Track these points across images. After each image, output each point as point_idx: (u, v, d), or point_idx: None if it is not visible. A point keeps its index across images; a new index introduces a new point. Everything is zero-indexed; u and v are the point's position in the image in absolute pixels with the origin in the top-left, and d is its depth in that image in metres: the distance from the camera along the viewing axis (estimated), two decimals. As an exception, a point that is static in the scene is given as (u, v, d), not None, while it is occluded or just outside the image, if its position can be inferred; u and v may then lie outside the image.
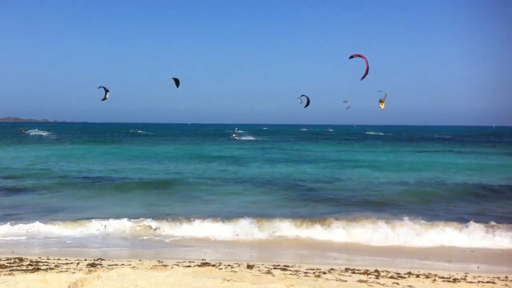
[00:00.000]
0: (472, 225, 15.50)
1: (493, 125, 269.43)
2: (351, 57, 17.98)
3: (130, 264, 10.83)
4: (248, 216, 16.56)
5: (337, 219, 16.58)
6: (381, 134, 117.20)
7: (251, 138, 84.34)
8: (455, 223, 15.95)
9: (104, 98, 20.12)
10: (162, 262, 11.26)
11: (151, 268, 10.24)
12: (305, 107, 22.91)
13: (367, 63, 17.67)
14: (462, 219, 16.73)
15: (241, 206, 20.00)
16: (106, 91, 19.99)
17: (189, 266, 10.66)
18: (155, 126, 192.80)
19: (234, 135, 75.69)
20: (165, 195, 22.72)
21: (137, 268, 10.28)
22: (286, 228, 15.85)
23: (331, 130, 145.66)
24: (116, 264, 10.80)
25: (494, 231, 15.13)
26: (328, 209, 19.27)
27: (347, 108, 25.20)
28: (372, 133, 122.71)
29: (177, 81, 20.18)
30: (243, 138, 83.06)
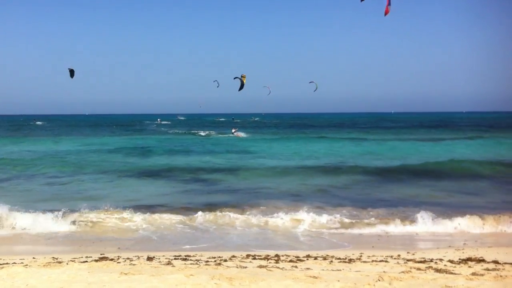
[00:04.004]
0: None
1: (392, 111, 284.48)
2: None
3: (22, 263, 10.27)
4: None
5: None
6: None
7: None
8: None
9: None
10: (57, 258, 10.77)
11: (44, 265, 9.76)
12: (239, 90, 22.54)
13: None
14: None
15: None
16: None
17: (86, 261, 10.27)
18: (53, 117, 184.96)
19: (233, 130, 65.08)
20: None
21: (30, 266, 9.76)
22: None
23: (257, 119, 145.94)
24: (7, 263, 10.19)
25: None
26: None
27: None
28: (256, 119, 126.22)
29: (72, 72, 19.58)
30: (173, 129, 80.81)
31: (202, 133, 68.70)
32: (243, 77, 20.50)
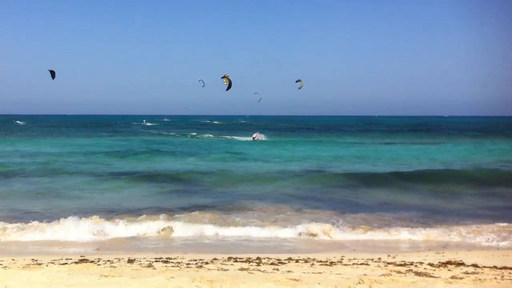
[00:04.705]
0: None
1: (376, 115, 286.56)
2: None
3: (1, 264, 10.14)
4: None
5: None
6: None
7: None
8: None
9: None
10: (36, 260, 10.66)
11: (23, 267, 9.65)
12: (227, 90, 22.33)
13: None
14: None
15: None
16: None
17: (66, 263, 10.18)
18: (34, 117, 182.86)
19: (254, 135, 59.37)
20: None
21: (9, 268, 9.65)
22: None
23: (243, 121, 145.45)
24: (-15, 265, 10.06)
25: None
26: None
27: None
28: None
29: (52, 73, 19.48)
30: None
31: (194, 134, 68.73)
32: (226, 77, 20.43)
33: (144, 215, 16.49)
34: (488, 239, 14.07)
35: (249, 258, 10.85)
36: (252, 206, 18.37)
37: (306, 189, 22.45)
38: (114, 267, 9.64)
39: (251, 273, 9.03)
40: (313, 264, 10.29)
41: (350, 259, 10.99)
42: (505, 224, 15.54)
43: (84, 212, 16.50)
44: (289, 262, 10.50)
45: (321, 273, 9.19)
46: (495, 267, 10.01)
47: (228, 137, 66.30)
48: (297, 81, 24.51)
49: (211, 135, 68.45)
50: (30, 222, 15.21)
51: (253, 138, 58.07)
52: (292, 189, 22.42)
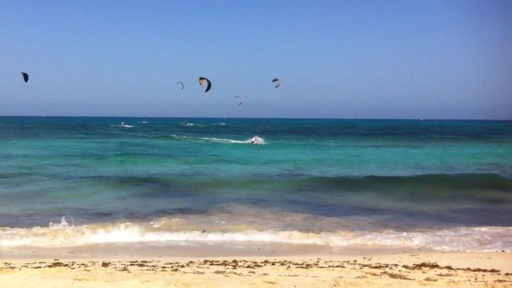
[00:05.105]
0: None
1: (352, 118, 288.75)
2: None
3: (-28, 269, 9.95)
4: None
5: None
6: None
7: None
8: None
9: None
10: (9, 264, 10.49)
11: (-5, 271, 9.47)
12: (206, 91, 22.18)
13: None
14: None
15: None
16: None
17: (39, 267, 10.02)
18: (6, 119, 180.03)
19: (253, 138, 57.02)
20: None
21: (-20, 272, 9.46)
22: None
23: (221, 124, 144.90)
24: (-45, 270, 9.85)
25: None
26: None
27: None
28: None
29: (26, 76, 19.27)
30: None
31: (173, 136, 68.41)
32: (203, 79, 20.36)
33: (119, 218, 16.36)
34: (462, 241, 14.25)
35: (226, 261, 10.83)
36: (229, 209, 18.36)
37: (284, 192, 22.49)
38: (89, 270, 9.52)
39: (227, 276, 9.00)
40: (289, 266, 10.30)
41: (326, 262, 11.03)
42: (479, 226, 15.82)
43: (58, 215, 16.27)
44: (265, 264, 10.50)
45: (297, 275, 9.20)
46: (468, 269, 10.14)
47: (206, 138, 66.23)
48: (273, 80, 24.57)
49: (190, 138, 68.19)
50: (3, 226, 14.98)
51: (252, 142, 56.25)
52: (270, 192, 22.42)
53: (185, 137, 69.41)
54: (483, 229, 15.52)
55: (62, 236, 14.48)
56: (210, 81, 22.27)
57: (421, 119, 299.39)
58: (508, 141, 62.99)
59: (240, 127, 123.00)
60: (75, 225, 15.36)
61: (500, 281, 8.76)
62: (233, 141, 62.16)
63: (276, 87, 24.56)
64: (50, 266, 10.09)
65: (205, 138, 67.47)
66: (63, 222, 15.37)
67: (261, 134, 64.76)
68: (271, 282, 8.32)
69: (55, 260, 11.13)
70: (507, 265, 10.52)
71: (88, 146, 49.17)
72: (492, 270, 9.93)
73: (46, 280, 8.50)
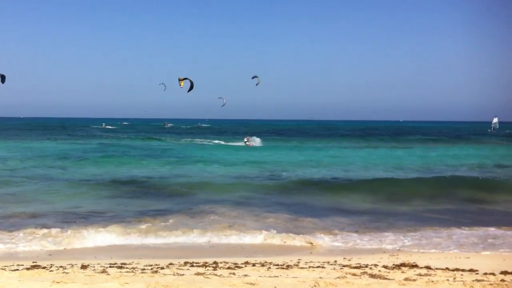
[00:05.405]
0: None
1: (333, 119, 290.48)
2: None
3: None
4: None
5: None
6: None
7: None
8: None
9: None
10: (-14, 267, 10.33)
11: (-29, 274, 9.33)
12: (188, 91, 21.96)
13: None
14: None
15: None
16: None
17: (17, 269, 9.90)
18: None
19: (246, 139, 55.09)
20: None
21: (-44, 275, 9.31)
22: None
23: (204, 125, 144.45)
24: None
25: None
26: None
27: (222, 106, 25.10)
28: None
29: (3, 78, 19.05)
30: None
31: (155, 138, 68.06)
32: (181, 80, 20.24)
33: (99, 221, 16.23)
34: (441, 242, 14.39)
35: (206, 263, 10.79)
36: (211, 211, 18.31)
37: (266, 194, 22.50)
38: (67, 273, 9.42)
39: (207, 277, 8.97)
40: (269, 267, 10.30)
41: (307, 262, 11.06)
42: (458, 227, 16.03)
43: (37, 217, 16.12)
44: (246, 266, 10.49)
45: (277, 276, 9.21)
46: (447, 268, 10.24)
47: (188, 140, 66.03)
48: (253, 77, 24.57)
49: (173, 139, 67.89)
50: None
51: (245, 142, 54.64)
52: (251, 194, 22.40)
53: (170, 138, 69.13)
54: (462, 229, 15.74)
55: (41, 238, 14.32)
56: (193, 81, 22.12)
57: (401, 120, 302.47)
58: (489, 143, 63.82)
59: (225, 128, 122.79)
60: (54, 227, 15.22)
61: (478, 280, 8.85)
62: (223, 142, 61.95)
63: (257, 84, 24.54)
64: (28, 269, 9.96)
65: (195, 139, 67.18)
66: (42, 224, 15.22)
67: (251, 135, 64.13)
68: (251, 284, 8.31)
69: (33, 262, 10.99)
70: (485, 265, 10.65)
71: (69, 147, 48.56)
72: (471, 270, 10.04)
73: (24, 282, 8.40)
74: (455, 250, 13.32)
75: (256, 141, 55.81)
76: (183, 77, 20.00)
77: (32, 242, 13.94)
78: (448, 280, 8.88)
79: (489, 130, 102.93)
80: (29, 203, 19.62)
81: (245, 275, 9.33)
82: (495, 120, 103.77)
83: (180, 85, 19.96)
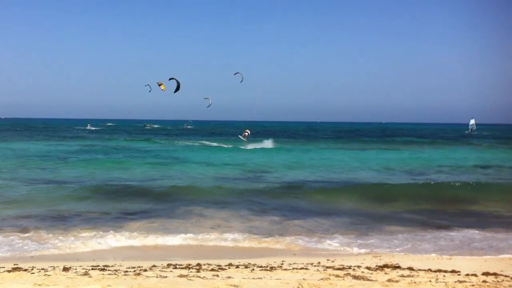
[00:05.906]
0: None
1: (318, 121, 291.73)
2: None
3: None
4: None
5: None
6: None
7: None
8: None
9: None
10: (-34, 270, 10.19)
11: (-49, 277, 9.20)
12: (175, 92, 21.81)
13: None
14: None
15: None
16: None
17: (-3, 272, 9.78)
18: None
19: (246, 132, 50.56)
20: None
21: None
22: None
23: (189, 126, 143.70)
24: None
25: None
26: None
27: (208, 106, 25.01)
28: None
29: None
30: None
31: (140, 139, 67.66)
32: (160, 84, 20.16)
33: (81, 223, 16.08)
34: (423, 243, 14.49)
35: (189, 265, 10.75)
36: (195, 213, 18.28)
37: (250, 196, 22.43)
38: (49, 275, 9.33)
39: (191, 279, 8.93)
40: (253, 269, 10.29)
41: (290, 264, 11.06)
42: (440, 229, 16.17)
43: (17, 219, 15.93)
44: (229, 267, 10.47)
45: (261, 278, 9.20)
46: (429, 270, 10.31)
47: (175, 141, 65.73)
48: (235, 74, 24.57)
49: (159, 140, 67.56)
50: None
51: (243, 136, 50.85)
52: (236, 196, 22.35)
53: (155, 139, 68.80)
54: (445, 231, 15.86)
55: (22, 240, 14.16)
56: (179, 81, 22.00)
57: (383, 122, 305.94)
58: (472, 144, 64.41)
59: (210, 129, 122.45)
60: (35, 229, 15.07)
61: (460, 281, 8.94)
62: (208, 143, 61.59)
63: (241, 81, 24.53)
64: (9, 271, 9.85)
65: (181, 141, 66.86)
66: (23, 226, 15.05)
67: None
68: (234, 285, 8.29)
69: (14, 264, 10.85)
70: (467, 266, 10.75)
71: (52, 148, 48.05)
72: (453, 271, 10.13)
73: (5, 285, 8.31)
74: (438, 252, 13.42)
75: (266, 143, 54.49)
76: (170, 78, 19.86)
77: (13, 244, 13.80)
78: (430, 281, 8.95)
79: (466, 132, 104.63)
80: (10, 204, 19.37)
81: (229, 277, 9.31)
82: (472, 121, 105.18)
83: (162, 89, 19.81)
